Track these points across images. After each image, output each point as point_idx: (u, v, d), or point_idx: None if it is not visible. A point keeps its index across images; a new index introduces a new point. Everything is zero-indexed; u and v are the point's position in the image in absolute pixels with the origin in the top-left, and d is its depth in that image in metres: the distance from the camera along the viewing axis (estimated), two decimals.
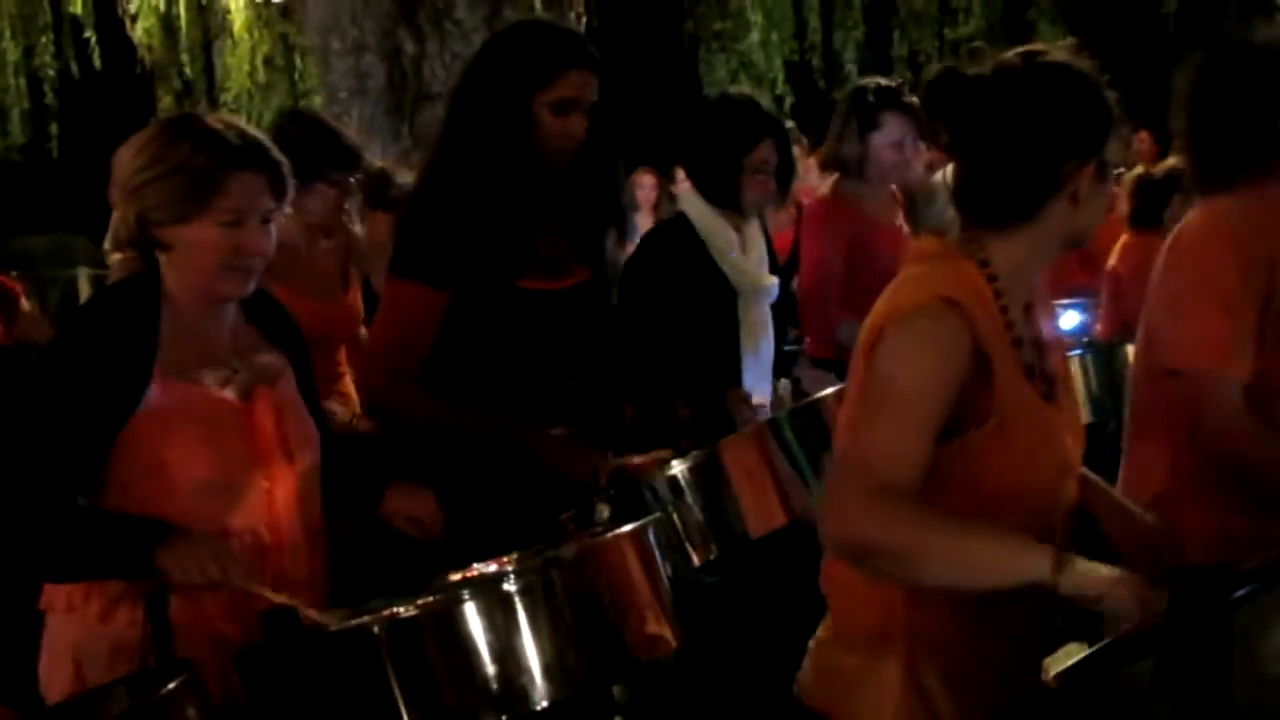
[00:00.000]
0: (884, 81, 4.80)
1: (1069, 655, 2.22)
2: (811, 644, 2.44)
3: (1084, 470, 2.55)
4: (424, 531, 2.81)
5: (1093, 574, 2.00)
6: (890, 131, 4.62)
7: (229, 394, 2.53)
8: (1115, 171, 2.36)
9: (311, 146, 4.06)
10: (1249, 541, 2.77)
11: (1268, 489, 2.81)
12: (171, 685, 2.11)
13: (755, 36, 13.40)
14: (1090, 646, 2.13)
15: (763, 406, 3.78)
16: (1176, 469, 2.92)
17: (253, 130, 2.56)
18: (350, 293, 4.27)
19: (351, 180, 4.18)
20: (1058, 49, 2.26)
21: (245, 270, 2.51)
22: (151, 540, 2.36)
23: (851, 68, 13.35)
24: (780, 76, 13.44)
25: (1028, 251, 2.23)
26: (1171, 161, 5.85)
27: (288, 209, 2.57)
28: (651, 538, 2.50)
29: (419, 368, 3.13)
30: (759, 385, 3.92)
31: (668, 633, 2.41)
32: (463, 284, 3.09)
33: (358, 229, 4.44)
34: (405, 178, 4.86)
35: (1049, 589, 2.01)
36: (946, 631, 2.21)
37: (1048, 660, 2.31)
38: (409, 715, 2.17)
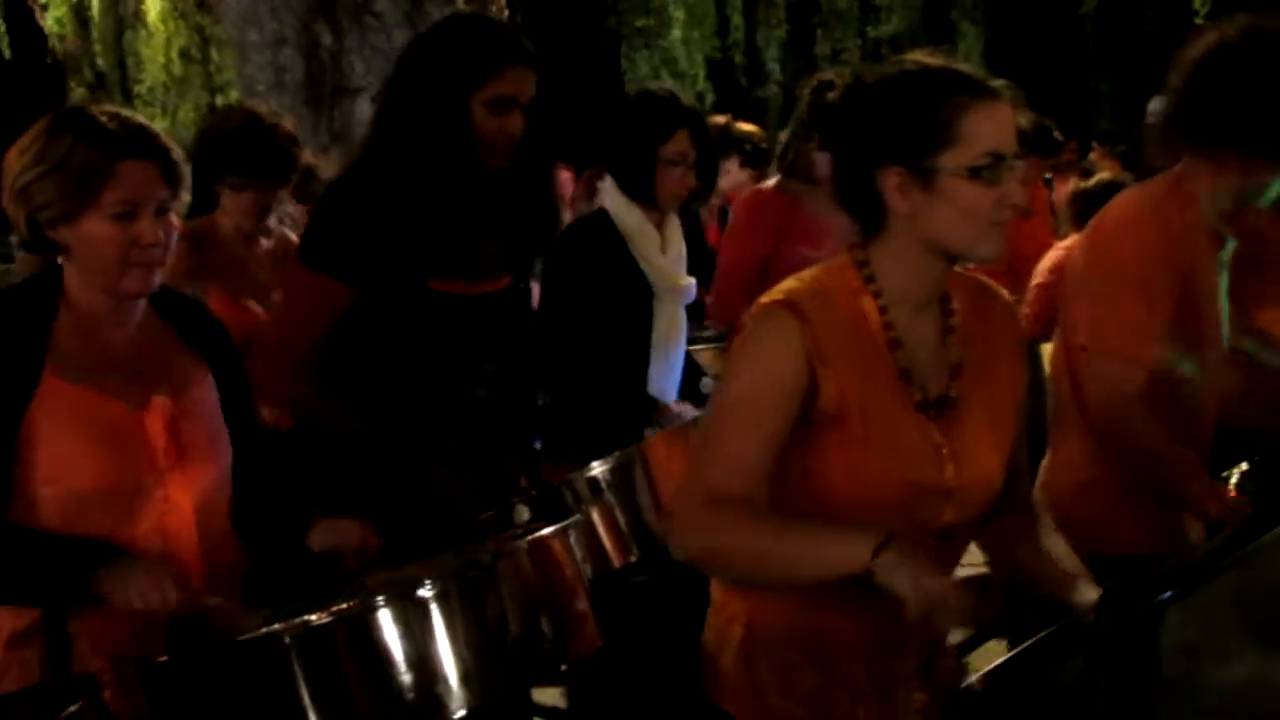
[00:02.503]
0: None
1: (989, 653, 2.21)
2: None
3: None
4: (358, 561, 2.70)
5: (906, 573, 1.96)
6: None
7: (125, 399, 2.46)
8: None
9: (232, 148, 4.01)
10: (1161, 529, 2.86)
11: (1144, 476, 2.87)
12: (73, 708, 2.04)
13: (677, 33, 13.44)
14: (1010, 644, 2.12)
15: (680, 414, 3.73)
16: (1097, 458, 2.95)
17: (138, 118, 2.49)
18: None
19: (269, 183, 4.10)
20: (922, 55, 2.24)
21: (147, 264, 2.43)
22: (93, 563, 2.30)
23: (774, 66, 13.41)
24: (702, 73, 13.50)
25: (895, 258, 2.21)
26: (1105, 175, 6.00)
27: (185, 196, 2.49)
28: (571, 540, 2.46)
29: (313, 359, 3.08)
30: (665, 386, 3.86)
31: (588, 634, 2.38)
32: (371, 281, 3.05)
33: (292, 235, 4.33)
34: (329, 172, 4.76)
35: (866, 576, 1.98)
36: (778, 624, 2.24)
37: (969, 657, 2.29)
38: None
